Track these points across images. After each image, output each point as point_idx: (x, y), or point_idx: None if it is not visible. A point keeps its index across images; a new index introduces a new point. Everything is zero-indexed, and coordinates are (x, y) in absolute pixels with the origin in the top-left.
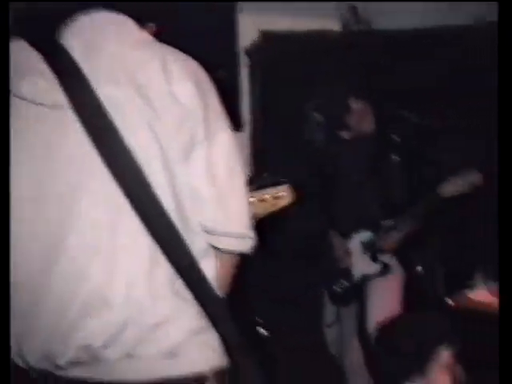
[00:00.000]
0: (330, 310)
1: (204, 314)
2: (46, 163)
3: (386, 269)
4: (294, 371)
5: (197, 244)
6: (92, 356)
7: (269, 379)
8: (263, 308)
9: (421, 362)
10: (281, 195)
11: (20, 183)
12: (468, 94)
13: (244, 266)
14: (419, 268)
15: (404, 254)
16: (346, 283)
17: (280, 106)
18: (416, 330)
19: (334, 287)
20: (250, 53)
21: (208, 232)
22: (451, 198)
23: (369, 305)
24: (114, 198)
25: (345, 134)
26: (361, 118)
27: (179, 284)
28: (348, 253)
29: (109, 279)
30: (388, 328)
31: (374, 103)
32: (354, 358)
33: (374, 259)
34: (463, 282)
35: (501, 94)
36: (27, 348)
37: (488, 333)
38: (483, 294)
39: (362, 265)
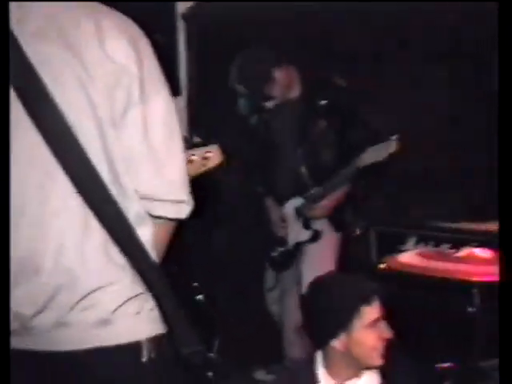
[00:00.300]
0: (270, 275)
1: (140, 280)
2: None
3: (316, 235)
4: (232, 335)
5: (132, 210)
6: (23, 325)
7: (206, 343)
8: (202, 273)
9: (346, 319)
10: (209, 156)
11: None
12: (395, 61)
13: (181, 232)
14: (353, 231)
15: (337, 218)
16: (281, 249)
17: (215, 73)
18: (342, 288)
19: (272, 253)
20: (186, 18)
21: (143, 198)
22: (371, 165)
23: (304, 269)
24: (43, 159)
25: (269, 104)
26: (286, 85)
27: (114, 250)
28: (283, 219)
29: (38, 244)
30: (316, 287)
31: (301, 68)
32: (292, 319)
33: (306, 226)
34: (395, 245)
35: (501, 94)
36: None
37: (414, 294)
38: (412, 257)
39: (295, 231)
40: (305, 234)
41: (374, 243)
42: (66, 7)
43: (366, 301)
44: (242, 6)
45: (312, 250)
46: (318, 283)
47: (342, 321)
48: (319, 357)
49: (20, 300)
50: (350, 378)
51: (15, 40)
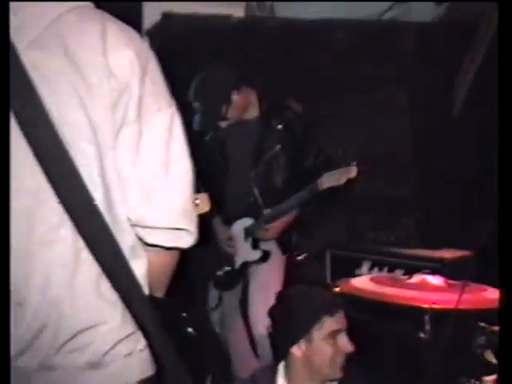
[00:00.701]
0: (213, 294)
1: (130, 318)
2: None
3: (265, 256)
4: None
5: (126, 242)
6: (13, 365)
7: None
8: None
9: (307, 326)
10: (198, 203)
11: None
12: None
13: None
14: (302, 255)
15: (285, 240)
16: (228, 268)
17: (175, 90)
18: (307, 298)
19: (217, 272)
20: (151, 34)
21: (134, 224)
22: (328, 189)
23: (250, 289)
24: (34, 183)
25: (223, 124)
26: (242, 108)
27: (105, 285)
28: (231, 239)
29: (23, 276)
30: (283, 296)
31: (260, 91)
32: (237, 338)
33: (255, 246)
34: (350, 269)
35: (501, 95)
36: None
37: (366, 318)
38: (366, 282)
39: (243, 251)
40: (253, 254)
41: (328, 266)
42: (67, 13)
43: (329, 312)
44: (206, 24)
45: (260, 271)
46: (286, 293)
47: (302, 328)
48: (281, 368)
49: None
50: None
51: (14, 50)
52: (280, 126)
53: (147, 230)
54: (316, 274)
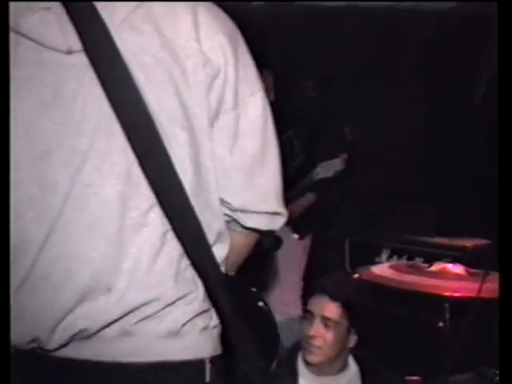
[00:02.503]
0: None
1: (207, 296)
2: (53, 118)
3: (276, 243)
4: None
5: (214, 227)
6: (86, 336)
7: (267, 356)
8: None
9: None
10: None
11: (18, 139)
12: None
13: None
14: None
15: (300, 226)
16: None
17: None
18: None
19: None
20: None
21: (236, 209)
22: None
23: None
24: (127, 167)
25: None
26: None
27: (186, 264)
28: None
29: (113, 262)
30: None
31: (277, 76)
32: None
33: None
34: (369, 257)
35: (501, 95)
36: (15, 327)
37: (385, 306)
38: (385, 269)
39: None
40: (266, 242)
41: (347, 254)
42: None
43: (314, 292)
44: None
45: (275, 258)
46: None
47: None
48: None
49: (86, 316)
50: (328, 374)
51: (106, 29)
52: (293, 110)
53: (247, 214)
54: (335, 261)
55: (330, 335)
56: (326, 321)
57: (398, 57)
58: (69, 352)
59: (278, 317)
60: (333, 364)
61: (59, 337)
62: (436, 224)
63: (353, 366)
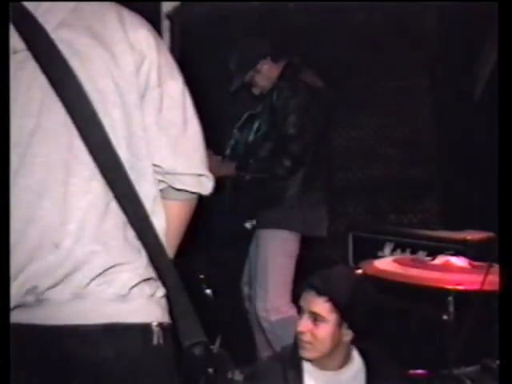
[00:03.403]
0: (246, 268)
1: (151, 265)
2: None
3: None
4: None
5: (151, 195)
6: (37, 298)
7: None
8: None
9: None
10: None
11: None
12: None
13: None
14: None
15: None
16: None
17: (199, 73)
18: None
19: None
20: (171, 17)
21: (166, 172)
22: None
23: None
24: (69, 140)
25: (255, 91)
26: (267, 78)
27: (130, 233)
28: None
29: (59, 221)
30: None
31: (285, 67)
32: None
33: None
34: (372, 251)
35: (501, 95)
36: None
37: (389, 300)
38: (389, 263)
39: None
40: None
41: (350, 248)
42: (83, 4)
43: (305, 287)
44: (226, 6)
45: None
46: None
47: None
48: None
49: (36, 274)
50: (331, 369)
51: (41, 28)
52: (274, 99)
53: (176, 176)
54: (338, 254)
55: (318, 330)
56: (314, 316)
57: (406, 50)
58: (22, 318)
59: (275, 317)
60: (333, 358)
61: (12, 298)
62: (439, 217)
63: (357, 359)
